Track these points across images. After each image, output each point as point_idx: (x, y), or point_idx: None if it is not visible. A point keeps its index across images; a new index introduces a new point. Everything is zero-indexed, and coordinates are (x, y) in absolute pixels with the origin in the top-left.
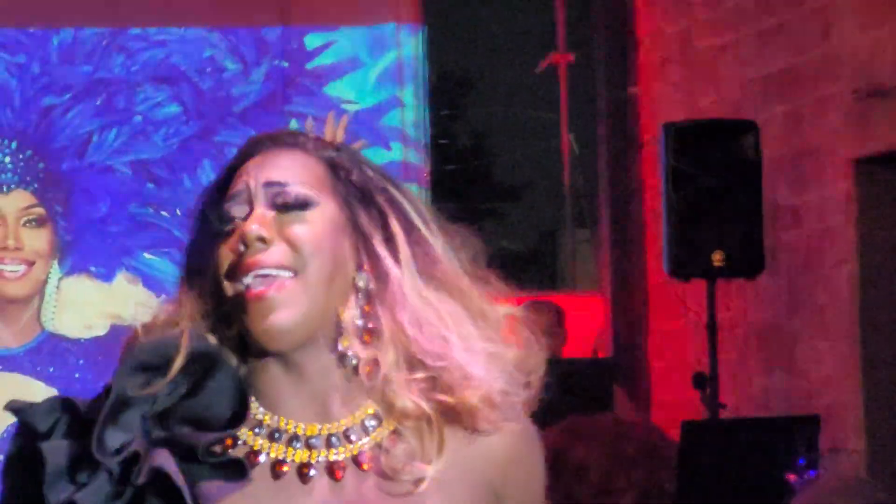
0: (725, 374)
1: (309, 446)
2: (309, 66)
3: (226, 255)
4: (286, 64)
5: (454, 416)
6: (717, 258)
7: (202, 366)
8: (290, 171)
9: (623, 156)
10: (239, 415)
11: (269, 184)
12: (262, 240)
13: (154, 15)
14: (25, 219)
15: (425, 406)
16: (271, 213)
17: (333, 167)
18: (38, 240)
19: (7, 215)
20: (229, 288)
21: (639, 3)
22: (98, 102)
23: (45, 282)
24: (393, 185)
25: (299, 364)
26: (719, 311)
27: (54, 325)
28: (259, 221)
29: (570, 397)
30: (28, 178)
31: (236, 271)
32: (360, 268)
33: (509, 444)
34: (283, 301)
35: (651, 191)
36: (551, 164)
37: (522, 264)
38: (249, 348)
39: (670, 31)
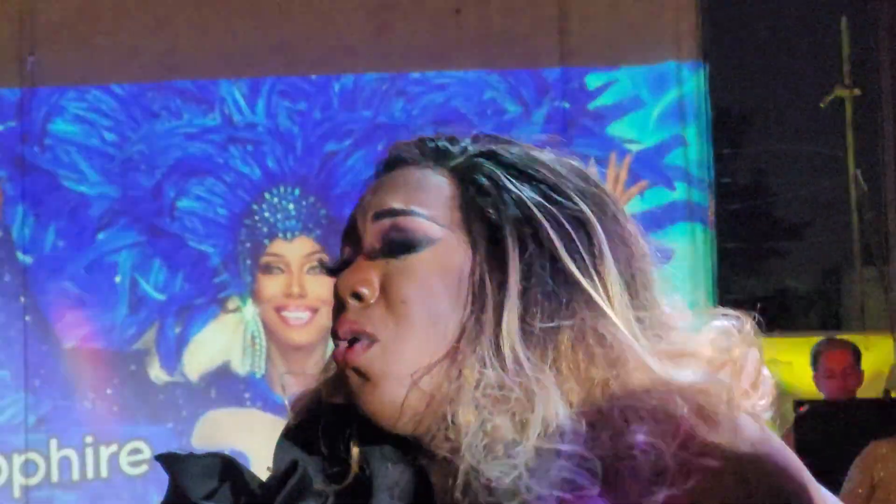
0: None
1: None
2: (590, 106)
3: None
4: (567, 105)
5: None
6: None
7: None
8: (402, 194)
9: None
10: None
11: (378, 215)
12: (357, 296)
13: (433, 59)
14: (309, 266)
15: None
16: (378, 257)
17: (465, 186)
18: (321, 286)
19: (291, 262)
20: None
21: None
22: (379, 147)
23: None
24: (547, 210)
25: None
26: None
27: None
28: (355, 271)
29: (864, 438)
30: (310, 225)
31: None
32: (459, 337)
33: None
34: (367, 370)
35: None
36: (836, 200)
37: (806, 304)
38: None
39: None
